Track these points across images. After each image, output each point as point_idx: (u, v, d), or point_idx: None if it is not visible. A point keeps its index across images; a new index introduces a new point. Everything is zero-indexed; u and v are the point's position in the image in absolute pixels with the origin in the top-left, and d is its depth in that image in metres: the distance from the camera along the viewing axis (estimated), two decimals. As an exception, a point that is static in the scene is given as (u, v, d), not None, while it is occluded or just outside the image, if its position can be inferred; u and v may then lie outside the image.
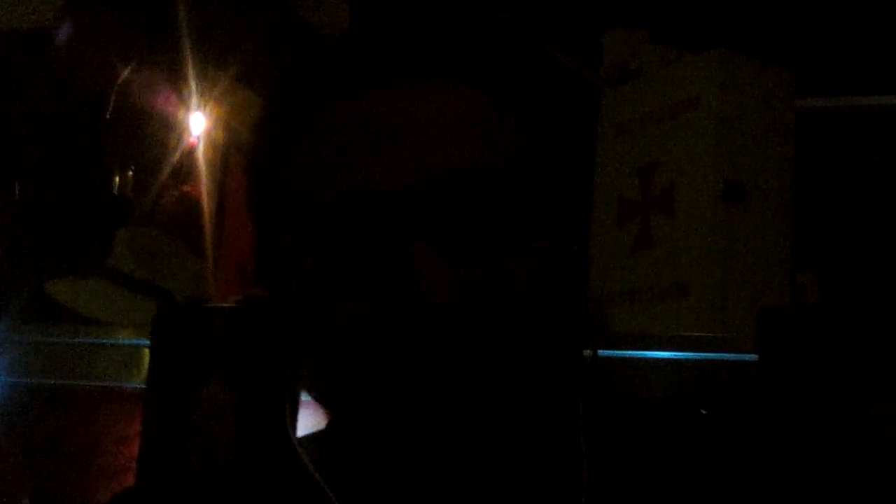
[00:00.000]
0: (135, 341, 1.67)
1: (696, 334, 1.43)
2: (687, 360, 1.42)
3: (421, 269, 0.77)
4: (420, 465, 0.81)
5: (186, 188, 1.99)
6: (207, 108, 2.03)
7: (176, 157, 2.00)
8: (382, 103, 0.81)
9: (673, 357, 1.42)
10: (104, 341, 1.74)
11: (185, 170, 2.00)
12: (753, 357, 1.33)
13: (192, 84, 2.02)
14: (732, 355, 1.39)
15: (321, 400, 0.87)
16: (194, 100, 2.03)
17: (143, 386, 1.57)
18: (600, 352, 0.90)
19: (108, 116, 2.01)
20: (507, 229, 0.80)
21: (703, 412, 1.06)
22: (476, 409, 0.78)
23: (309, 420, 1.11)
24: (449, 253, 0.78)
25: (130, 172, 2.02)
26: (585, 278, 0.89)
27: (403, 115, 0.80)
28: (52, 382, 1.82)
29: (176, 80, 2.03)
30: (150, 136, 2.02)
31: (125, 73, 2.03)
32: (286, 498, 0.90)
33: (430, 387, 0.78)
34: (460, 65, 0.85)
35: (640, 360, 1.41)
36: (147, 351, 1.58)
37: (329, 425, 0.93)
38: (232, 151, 2.08)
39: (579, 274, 0.87)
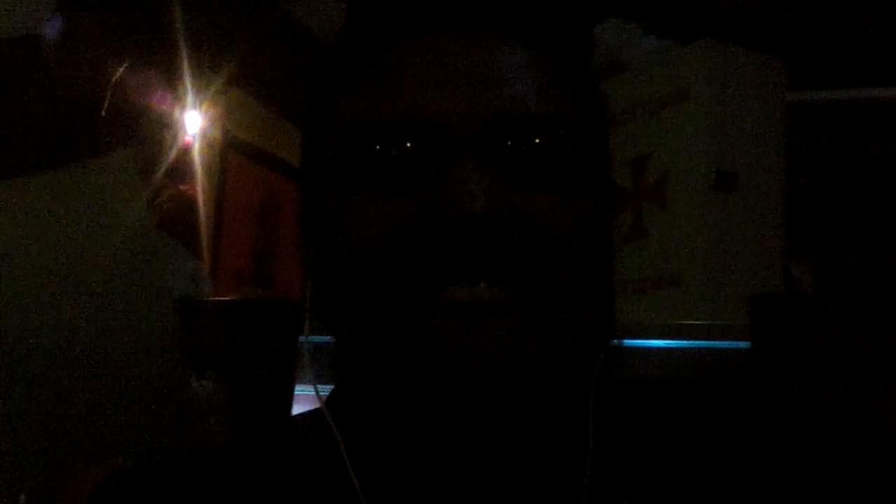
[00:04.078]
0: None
1: (689, 323, 1.44)
2: (680, 349, 1.42)
3: (463, 179, 0.79)
4: (430, 395, 0.81)
5: (183, 187, 1.99)
6: (203, 108, 2.04)
7: (172, 156, 2.00)
8: (441, 47, 0.86)
9: (666, 346, 1.42)
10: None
11: (181, 169, 2.00)
12: (746, 345, 1.33)
13: (188, 84, 2.03)
14: (725, 343, 1.40)
15: (336, 318, 0.88)
16: (190, 99, 2.03)
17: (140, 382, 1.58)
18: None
19: (103, 115, 2.01)
20: (548, 168, 0.83)
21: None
22: (494, 329, 0.79)
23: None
24: (491, 174, 0.81)
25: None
26: (611, 231, 0.93)
27: (466, 57, 0.85)
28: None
29: (172, 80, 2.04)
30: (145, 134, 2.03)
31: (120, 72, 2.04)
32: (289, 471, 0.91)
33: (451, 289, 0.80)
34: (523, 25, 0.89)
35: (633, 348, 1.42)
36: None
37: (338, 384, 0.94)
38: (229, 152, 2.09)
39: (607, 225, 0.91)
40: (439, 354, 0.79)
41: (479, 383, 0.79)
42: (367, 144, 0.84)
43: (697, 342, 1.41)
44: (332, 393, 0.94)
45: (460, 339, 0.79)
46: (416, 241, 0.81)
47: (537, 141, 0.84)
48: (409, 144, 0.83)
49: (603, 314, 0.89)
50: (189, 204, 1.95)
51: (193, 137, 2.04)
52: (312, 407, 0.95)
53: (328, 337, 0.90)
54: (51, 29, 2.13)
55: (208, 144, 2.04)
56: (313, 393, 0.95)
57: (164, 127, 2.03)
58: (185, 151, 2.01)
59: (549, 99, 0.86)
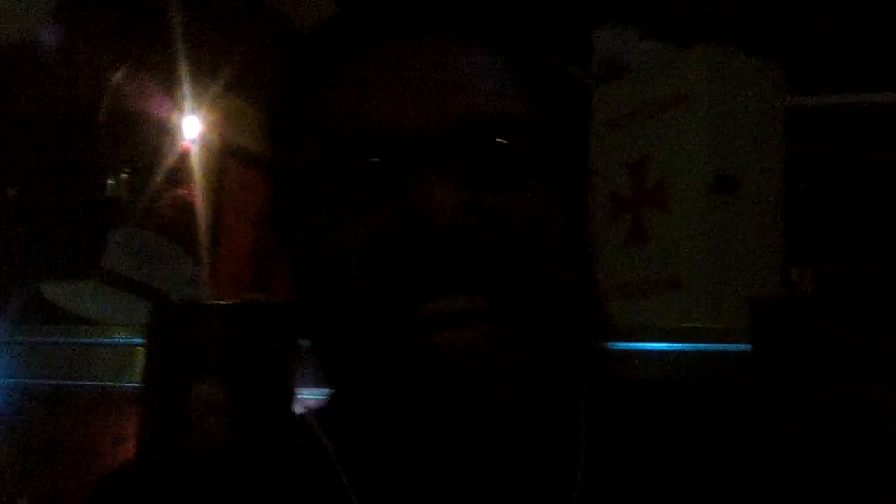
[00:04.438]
0: (130, 340, 1.67)
1: (689, 326, 1.44)
2: (680, 352, 1.42)
3: (428, 193, 0.80)
4: (417, 410, 0.82)
5: (181, 191, 1.99)
6: (201, 113, 2.04)
7: (170, 160, 2.00)
8: (403, 53, 0.86)
9: (666, 349, 1.42)
10: (100, 341, 1.74)
11: (179, 173, 2.00)
12: (746, 348, 1.33)
13: (186, 89, 2.03)
14: (725, 346, 1.40)
15: (319, 341, 0.89)
16: (188, 104, 2.03)
17: (139, 385, 1.58)
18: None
19: (101, 119, 2.01)
20: (513, 168, 0.84)
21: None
22: (475, 341, 0.80)
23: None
24: (457, 182, 0.81)
25: (125, 175, 2.02)
26: (586, 225, 0.93)
27: (421, 63, 0.85)
28: (48, 383, 1.82)
29: (170, 85, 2.04)
30: (144, 139, 2.03)
31: (118, 76, 2.04)
32: (286, 474, 0.91)
33: (428, 304, 0.80)
34: (476, 25, 0.89)
35: (633, 351, 1.42)
36: (142, 351, 1.59)
37: (329, 396, 0.95)
38: (227, 157, 2.09)
39: (580, 219, 0.91)
40: (422, 369, 0.80)
41: (465, 393, 0.79)
42: (330, 162, 0.84)
43: (698, 345, 1.41)
44: (326, 401, 0.94)
45: (441, 352, 0.79)
46: (387, 257, 0.81)
47: (498, 142, 0.84)
48: (372, 159, 0.83)
49: (588, 310, 0.89)
50: (187, 208, 1.95)
51: (192, 142, 2.04)
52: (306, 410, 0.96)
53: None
54: (48, 35, 2.13)
55: (206, 149, 2.04)
56: (315, 396, 0.95)
57: (162, 132, 2.03)
58: (184, 156, 2.01)
59: (507, 98, 0.86)
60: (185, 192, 1.99)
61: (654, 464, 0.87)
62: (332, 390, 0.95)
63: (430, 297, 0.80)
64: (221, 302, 1.68)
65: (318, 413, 0.94)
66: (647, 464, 0.87)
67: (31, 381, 1.83)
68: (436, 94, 0.84)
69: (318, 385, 0.96)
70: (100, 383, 1.79)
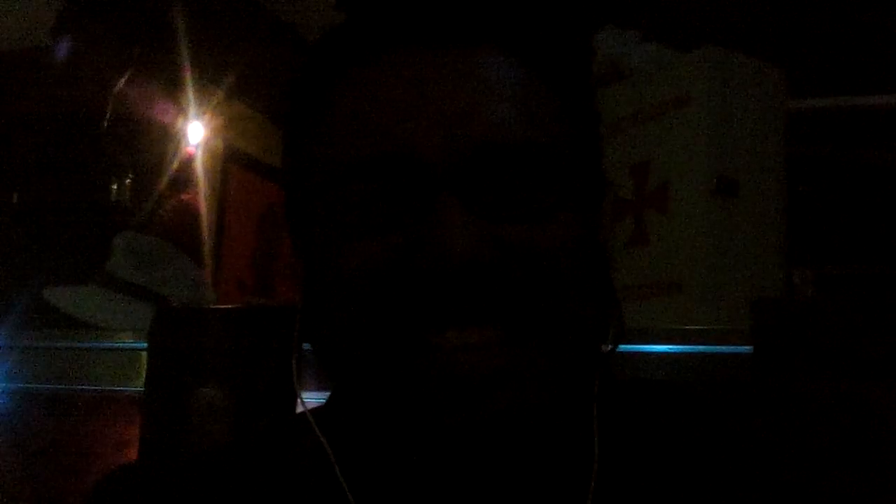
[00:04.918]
0: (133, 344, 1.67)
1: (691, 328, 1.43)
2: (681, 354, 1.42)
3: (445, 221, 0.76)
4: (424, 436, 0.79)
5: (184, 196, 2.00)
6: (205, 118, 2.05)
7: (173, 165, 2.01)
8: (426, 63, 0.81)
9: (667, 351, 1.42)
10: (102, 345, 1.74)
11: (183, 178, 2.01)
12: (748, 350, 1.33)
13: (190, 95, 2.04)
14: (727, 348, 1.40)
15: (326, 355, 0.86)
16: (191, 109, 2.04)
17: (142, 390, 1.58)
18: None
19: (105, 125, 2.02)
20: (537, 198, 0.80)
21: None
22: (488, 371, 0.77)
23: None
24: (476, 211, 0.77)
25: (128, 180, 2.03)
26: (609, 257, 0.90)
27: (447, 78, 0.80)
28: (51, 387, 1.82)
29: (173, 90, 2.04)
30: (147, 144, 2.04)
31: (121, 82, 2.04)
32: (285, 475, 0.91)
33: (440, 335, 0.77)
34: (511, 37, 0.84)
35: (634, 354, 1.42)
36: (145, 355, 1.59)
37: (330, 398, 0.94)
38: (230, 163, 2.10)
39: (604, 251, 0.88)
40: (428, 392, 0.77)
41: (473, 418, 0.77)
42: (345, 184, 0.80)
43: (699, 347, 1.41)
44: (326, 403, 0.94)
45: (448, 378, 0.77)
46: (400, 284, 0.78)
47: (524, 171, 0.80)
48: (389, 183, 0.79)
49: (603, 327, 0.88)
50: (190, 213, 1.96)
51: (195, 148, 2.05)
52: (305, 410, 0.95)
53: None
54: (52, 41, 2.14)
55: (209, 154, 2.05)
56: (318, 401, 0.95)
57: (165, 137, 2.03)
58: (187, 162, 2.02)
59: (538, 123, 0.81)
60: (188, 196, 2.00)
61: (665, 465, 0.86)
62: (334, 394, 0.94)
63: (441, 328, 0.77)
64: (223, 306, 1.69)
65: (318, 415, 0.91)
66: (658, 465, 0.86)
67: (34, 385, 1.83)
68: (459, 115, 0.78)
69: (319, 388, 0.95)
70: (102, 387, 1.79)
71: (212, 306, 1.72)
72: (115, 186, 2.01)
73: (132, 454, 1.70)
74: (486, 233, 0.77)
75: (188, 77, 2.02)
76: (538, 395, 0.79)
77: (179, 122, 2.06)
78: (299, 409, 0.91)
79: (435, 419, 0.77)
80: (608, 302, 0.88)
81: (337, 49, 0.85)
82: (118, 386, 1.75)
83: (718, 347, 1.40)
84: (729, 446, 0.87)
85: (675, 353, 1.42)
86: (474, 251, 0.76)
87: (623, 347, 1.03)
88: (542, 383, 0.79)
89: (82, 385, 1.79)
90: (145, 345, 1.60)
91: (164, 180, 1.98)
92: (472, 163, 0.78)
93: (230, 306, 1.67)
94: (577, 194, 0.83)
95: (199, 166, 2.05)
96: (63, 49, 2.13)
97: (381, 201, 0.79)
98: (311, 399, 1.02)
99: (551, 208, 0.80)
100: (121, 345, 1.72)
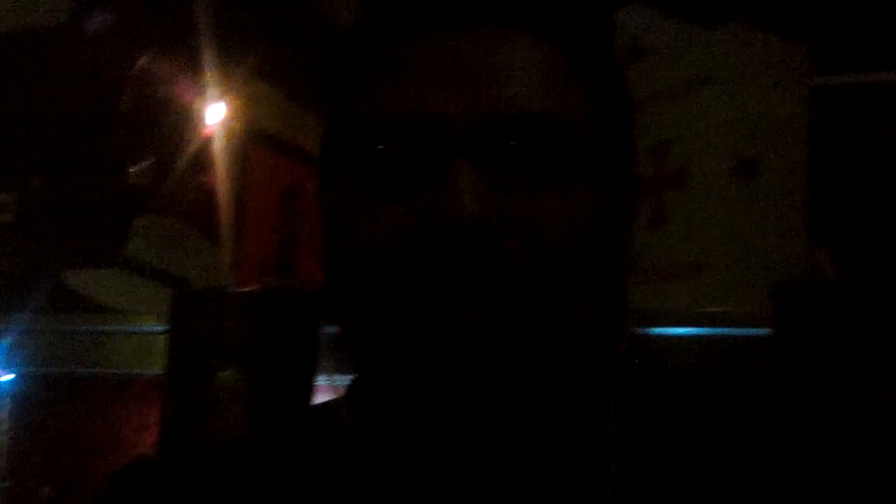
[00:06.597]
0: (153, 328, 1.68)
1: (711, 310, 1.42)
2: (702, 336, 1.41)
3: (457, 185, 0.78)
4: (442, 411, 0.81)
5: (204, 178, 1.99)
6: (225, 98, 2.04)
7: (193, 147, 2.00)
8: (450, 41, 0.83)
9: (687, 333, 1.41)
10: (123, 329, 1.75)
11: (203, 160, 2.01)
12: (768, 332, 1.32)
13: (210, 74, 2.03)
14: (747, 330, 1.38)
15: (341, 318, 0.87)
16: (212, 90, 2.03)
17: (162, 373, 1.58)
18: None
19: (124, 107, 2.02)
20: (549, 169, 0.81)
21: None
22: (499, 338, 0.78)
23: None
24: (487, 178, 0.79)
25: (147, 162, 2.02)
26: (624, 243, 0.90)
27: (468, 53, 0.82)
28: (72, 371, 1.83)
29: (194, 70, 2.04)
30: (167, 125, 2.03)
31: (141, 63, 2.04)
32: (306, 463, 0.90)
33: (451, 305, 0.78)
34: (537, 16, 0.86)
35: (655, 337, 1.41)
36: (165, 338, 1.59)
37: (353, 382, 0.93)
38: (251, 142, 2.09)
39: (619, 231, 0.88)
40: (439, 371, 0.79)
41: (484, 396, 0.79)
42: (368, 146, 0.83)
43: (719, 329, 1.40)
44: (349, 387, 0.94)
45: (455, 359, 0.78)
46: (411, 250, 0.79)
47: (540, 142, 0.81)
48: (408, 147, 0.81)
49: (611, 311, 0.87)
50: (211, 195, 1.95)
51: (215, 128, 2.04)
52: (332, 397, 0.95)
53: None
54: (72, 21, 2.14)
55: (230, 135, 2.04)
56: (335, 383, 0.95)
57: (185, 118, 2.03)
58: (207, 143, 2.01)
59: (555, 96, 0.83)
60: (208, 178, 2.00)
61: (688, 464, 0.86)
62: (356, 375, 0.94)
63: (446, 305, 0.78)
64: (243, 289, 1.68)
65: (340, 399, 0.92)
66: (681, 463, 0.86)
67: (54, 369, 1.84)
68: (480, 85, 0.81)
69: (340, 371, 0.95)
70: (123, 371, 1.80)
71: (232, 289, 1.72)
72: (134, 169, 2.00)
73: (152, 438, 1.70)
74: (493, 200, 0.78)
75: (209, 56, 2.01)
76: (539, 366, 0.80)
77: (200, 102, 2.05)
78: (317, 392, 0.92)
79: (439, 376, 0.79)
80: (614, 290, 0.87)
81: (374, 27, 0.89)
82: (138, 369, 1.76)
83: (739, 330, 1.39)
84: (750, 440, 0.87)
85: (694, 336, 1.41)
86: (477, 215, 0.77)
87: (642, 330, 1.02)
88: (542, 354, 0.80)
89: (103, 368, 1.80)
90: (166, 328, 1.60)
91: (185, 162, 1.97)
92: (489, 130, 0.80)
93: (250, 289, 1.66)
94: (594, 173, 0.83)
95: (219, 147, 2.05)
96: (83, 29, 2.13)
97: (400, 165, 0.81)
98: (330, 382, 1.02)
99: (562, 180, 0.81)
100: (141, 329, 1.73)
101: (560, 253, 0.80)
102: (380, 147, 0.82)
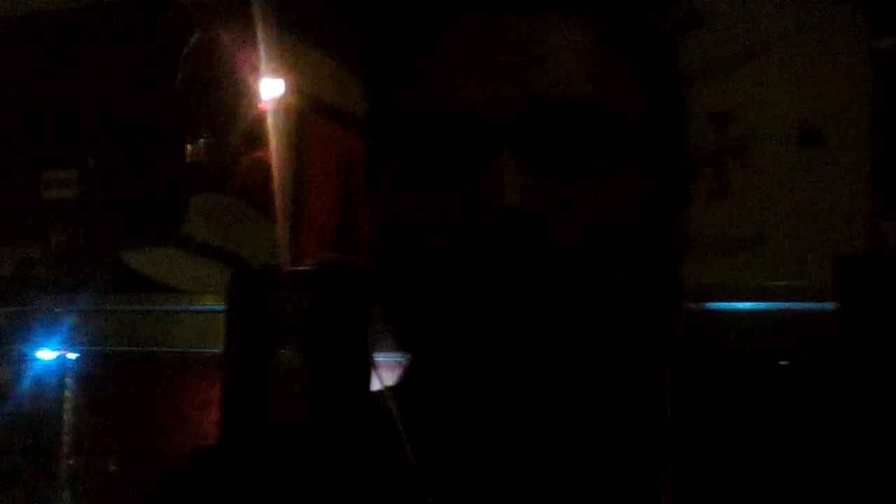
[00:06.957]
0: (213, 307, 1.68)
1: (774, 284, 1.40)
2: (765, 311, 1.39)
3: (500, 175, 0.78)
4: (494, 388, 0.81)
5: (260, 154, 1.99)
6: (282, 71, 2.03)
7: (249, 123, 2.00)
8: (489, 29, 0.82)
9: (751, 308, 1.39)
10: (181, 308, 1.76)
11: (259, 135, 2.00)
12: (832, 307, 1.29)
13: (266, 49, 2.02)
14: (811, 305, 1.36)
15: (391, 300, 0.87)
16: (267, 65, 2.03)
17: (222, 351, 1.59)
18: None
19: (179, 84, 2.02)
20: (594, 156, 0.80)
21: (783, 363, 1.04)
22: (547, 314, 0.78)
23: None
24: (531, 168, 0.79)
25: (203, 140, 2.03)
26: (676, 227, 0.89)
27: (513, 40, 0.82)
28: (133, 350, 1.85)
29: (250, 45, 2.03)
30: (223, 102, 2.03)
31: (195, 38, 2.04)
32: (364, 455, 0.91)
33: (497, 294, 0.78)
34: (583, 3, 0.85)
35: (717, 311, 1.39)
36: (224, 317, 1.60)
37: (405, 373, 0.94)
38: (307, 113, 2.08)
39: (670, 214, 0.87)
40: (486, 353, 0.79)
41: (535, 372, 0.79)
42: (411, 134, 0.83)
43: (782, 304, 1.38)
44: (402, 375, 0.94)
45: (504, 333, 0.78)
46: (454, 239, 0.79)
47: (584, 130, 0.80)
48: (450, 136, 0.81)
49: (663, 294, 0.86)
50: (268, 171, 1.95)
51: (271, 103, 2.03)
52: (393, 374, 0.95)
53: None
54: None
55: (287, 109, 2.03)
56: (394, 360, 0.95)
57: (242, 93, 2.03)
58: (264, 118, 2.01)
59: (602, 80, 0.82)
60: (266, 154, 1.99)
61: (745, 445, 0.84)
62: (409, 359, 0.94)
63: (493, 287, 0.78)
64: (301, 268, 1.68)
65: (393, 388, 0.93)
66: (738, 443, 0.84)
67: (116, 348, 1.85)
68: (522, 72, 0.80)
69: (393, 350, 0.95)
70: (182, 350, 1.81)
71: (289, 268, 1.72)
72: (191, 147, 2.01)
73: (214, 415, 1.71)
74: (537, 190, 0.78)
75: (265, 29, 2.00)
76: (585, 347, 0.80)
77: (256, 77, 2.05)
78: (375, 377, 0.93)
79: (490, 352, 0.79)
80: (666, 273, 0.87)
81: (415, 15, 0.88)
82: (199, 348, 1.76)
83: (802, 304, 1.37)
84: (812, 429, 0.85)
85: (758, 311, 1.39)
86: (522, 207, 0.77)
87: (704, 306, 1.01)
88: (588, 336, 0.80)
89: (164, 347, 1.81)
90: (223, 307, 1.60)
91: (241, 138, 1.97)
92: (531, 119, 0.80)
93: (308, 267, 1.66)
94: (643, 158, 0.82)
95: (275, 121, 2.04)
96: (138, 6, 2.13)
97: (442, 155, 0.81)
98: (388, 359, 1.02)
99: (610, 167, 0.80)
100: (199, 308, 1.73)
101: (608, 241, 0.79)
102: (421, 137, 0.82)
